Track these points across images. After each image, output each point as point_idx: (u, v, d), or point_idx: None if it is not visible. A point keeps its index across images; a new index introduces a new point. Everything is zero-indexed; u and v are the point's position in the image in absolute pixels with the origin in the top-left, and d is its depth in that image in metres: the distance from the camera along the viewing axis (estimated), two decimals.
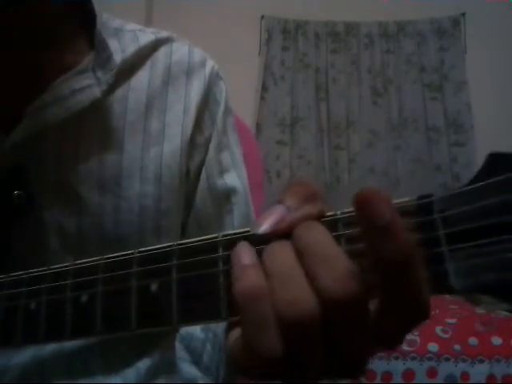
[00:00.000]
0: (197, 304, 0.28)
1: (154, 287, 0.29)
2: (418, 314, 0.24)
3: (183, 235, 0.54)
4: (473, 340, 1.62)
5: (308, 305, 0.24)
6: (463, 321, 1.70)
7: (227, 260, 0.27)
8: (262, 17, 2.93)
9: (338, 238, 0.26)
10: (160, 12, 2.88)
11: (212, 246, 0.28)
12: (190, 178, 0.54)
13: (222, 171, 0.56)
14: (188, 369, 0.53)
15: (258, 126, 2.85)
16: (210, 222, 0.55)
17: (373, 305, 0.25)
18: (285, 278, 0.25)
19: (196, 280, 0.28)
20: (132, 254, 0.31)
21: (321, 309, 0.24)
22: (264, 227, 0.27)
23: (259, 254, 0.27)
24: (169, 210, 0.51)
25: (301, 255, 0.26)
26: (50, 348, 0.45)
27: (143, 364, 0.50)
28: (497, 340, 1.61)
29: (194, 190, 0.55)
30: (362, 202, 0.23)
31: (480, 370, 1.56)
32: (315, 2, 2.88)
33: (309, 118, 2.85)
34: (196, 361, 0.53)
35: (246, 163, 0.61)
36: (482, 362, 1.57)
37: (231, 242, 0.27)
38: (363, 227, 0.24)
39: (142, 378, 0.49)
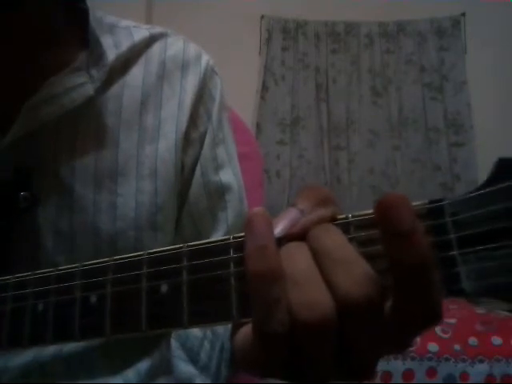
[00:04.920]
0: (208, 305, 0.28)
1: (164, 288, 0.29)
2: (431, 317, 0.24)
3: (176, 230, 0.54)
4: (473, 340, 1.62)
5: (324, 307, 0.24)
6: (463, 321, 1.70)
7: (238, 262, 0.28)
8: (262, 17, 2.92)
9: (350, 241, 0.26)
10: (160, 12, 2.88)
11: (223, 248, 0.28)
12: (184, 173, 0.54)
13: (217, 167, 0.56)
14: (184, 368, 0.52)
15: (258, 126, 2.85)
16: (204, 218, 0.54)
17: (386, 307, 0.25)
18: (301, 279, 0.25)
19: (207, 282, 0.28)
20: (141, 255, 0.31)
21: (337, 311, 0.24)
22: (278, 230, 0.27)
23: None
24: (164, 205, 0.51)
25: (317, 257, 0.26)
26: (51, 349, 0.45)
27: (143, 365, 0.50)
28: (496, 340, 1.62)
29: (188, 185, 0.54)
30: (385, 208, 0.23)
31: (479, 370, 1.56)
32: (315, 2, 2.87)
33: (309, 118, 2.85)
34: (193, 359, 0.53)
35: (245, 163, 0.61)
36: (481, 361, 1.57)
37: (243, 244, 0.27)
38: (384, 232, 0.24)
39: (142, 378, 0.49)
